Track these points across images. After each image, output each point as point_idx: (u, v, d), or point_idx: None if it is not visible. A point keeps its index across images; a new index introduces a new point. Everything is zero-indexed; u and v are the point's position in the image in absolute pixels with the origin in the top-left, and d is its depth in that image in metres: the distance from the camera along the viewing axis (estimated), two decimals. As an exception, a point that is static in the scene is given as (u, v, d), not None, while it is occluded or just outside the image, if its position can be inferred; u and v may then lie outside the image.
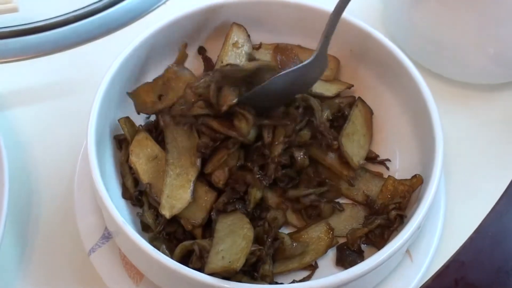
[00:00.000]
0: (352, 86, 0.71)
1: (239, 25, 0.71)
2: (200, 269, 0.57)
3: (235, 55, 0.69)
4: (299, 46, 0.73)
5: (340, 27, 0.70)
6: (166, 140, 0.63)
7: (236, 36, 0.70)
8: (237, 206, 0.62)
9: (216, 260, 0.57)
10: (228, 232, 0.59)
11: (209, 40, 0.74)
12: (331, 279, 0.55)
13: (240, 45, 0.70)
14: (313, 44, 0.71)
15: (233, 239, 0.59)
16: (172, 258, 0.57)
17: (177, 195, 0.60)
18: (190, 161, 0.62)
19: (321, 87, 0.69)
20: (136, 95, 0.66)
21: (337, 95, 0.71)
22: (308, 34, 0.72)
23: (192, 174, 0.61)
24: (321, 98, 0.68)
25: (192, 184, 0.60)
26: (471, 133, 0.74)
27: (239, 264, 0.57)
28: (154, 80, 0.67)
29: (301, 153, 0.64)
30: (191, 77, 0.66)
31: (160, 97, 0.65)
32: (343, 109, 0.70)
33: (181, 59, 0.69)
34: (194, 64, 0.74)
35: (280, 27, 0.73)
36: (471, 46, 0.74)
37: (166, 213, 0.60)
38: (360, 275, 0.55)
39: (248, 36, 0.71)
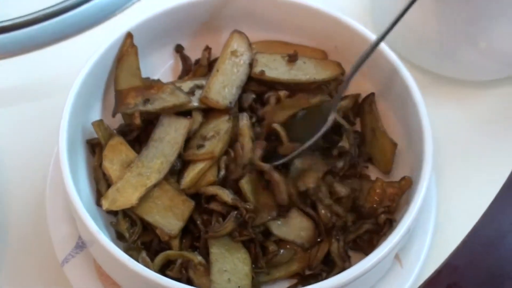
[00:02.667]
0: (344, 72, 0.72)
1: (241, 33, 0.71)
2: (180, 280, 0.59)
3: (232, 64, 0.70)
4: (286, 43, 0.74)
5: (325, 22, 0.71)
6: (153, 135, 0.64)
7: (236, 44, 0.71)
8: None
9: (222, 281, 0.59)
10: (224, 250, 0.61)
11: (188, 38, 0.75)
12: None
13: (239, 54, 0.70)
14: (300, 41, 0.74)
15: (233, 261, 0.61)
16: (150, 267, 0.58)
17: (126, 193, 0.61)
18: (159, 167, 0.63)
19: (312, 70, 0.71)
20: (122, 95, 0.67)
21: (330, 83, 0.72)
22: (295, 31, 0.74)
23: (152, 180, 0.62)
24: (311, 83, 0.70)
25: (145, 190, 0.61)
26: (463, 132, 0.76)
27: None
28: (146, 86, 0.67)
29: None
30: (186, 97, 0.67)
31: (146, 101, 0.66)
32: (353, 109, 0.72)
33: (126, 49, 0.69)
34: (173, 63, 0.76)
35: (266, 23, 0.74)
36: (461, 40, 0.75)
37: (105, 204, 0.60)
38: (346, 282, 0.56)
39: (250, 44, 0.71)
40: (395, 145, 0.69)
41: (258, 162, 0.64)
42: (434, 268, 0.65)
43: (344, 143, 0.68)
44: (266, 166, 0.64)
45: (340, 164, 0.67)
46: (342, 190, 0.65)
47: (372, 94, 0.71)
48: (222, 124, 0.67)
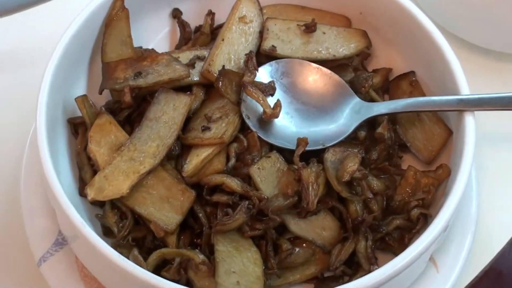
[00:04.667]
0: (370, 44, 0.72)
1: None
2: (179, 282, 0.58)
3: (240, 32, 0.68)
4: (302, 7, 0.74)
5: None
6: (147, 114, 0.63)
7: (245, 8, 0.70)
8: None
9: (229, 284, 0.58)
10: (231, 248, 0.60)
11: (188, 1, 0.75)
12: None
13: (248, 20, 0.69)
14: (319, 5, 0.73)
15: (241, 260, 0.60)
16: (143, 267, 0.56)
17: (115, 181, 0.60)
18: (155, 151, 0.62)
19: (332, 43, 0.70)
20: (111, 68, 0.66)
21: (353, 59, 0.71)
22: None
23: (146, 166, 0.61)
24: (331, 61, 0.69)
25: (137, 178, 0.60)
26: (509, 116, 0.73)
27: None
28: (138, 57, 0.67)
29: None
30: (184, 69, 0.65)
31: (137, 74, 0.65)
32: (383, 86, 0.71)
33: (116, 13, 0.68)
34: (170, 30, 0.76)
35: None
36: (509, 9, 0.74)
37: (90, 194, 0.59)
38: (372, 287, 0.55)
39: (260, 10, 0.70)
40: (450, 132, 0.67)
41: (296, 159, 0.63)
42: (474, 274, 0.65)
43: (382, 130, 0.66)
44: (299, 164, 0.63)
45: (375, 154, 0.66)
46: (378, 184, 0.64)
47: (412, 72, 0.70)
48: (230, 104, 0.65)
